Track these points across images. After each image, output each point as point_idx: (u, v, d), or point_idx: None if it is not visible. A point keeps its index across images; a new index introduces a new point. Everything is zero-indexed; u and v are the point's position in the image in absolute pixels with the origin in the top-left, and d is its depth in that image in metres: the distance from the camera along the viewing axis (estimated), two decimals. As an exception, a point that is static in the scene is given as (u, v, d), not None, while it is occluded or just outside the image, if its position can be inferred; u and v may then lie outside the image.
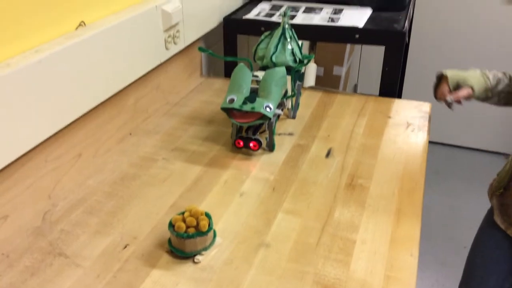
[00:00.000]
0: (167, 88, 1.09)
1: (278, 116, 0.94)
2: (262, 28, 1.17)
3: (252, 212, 0.73)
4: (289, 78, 0.93)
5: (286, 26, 0.96)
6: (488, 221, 1.04)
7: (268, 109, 0.81)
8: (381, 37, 1.10)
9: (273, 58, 0.94)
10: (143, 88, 0.99)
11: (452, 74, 0.93)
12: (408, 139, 0.93)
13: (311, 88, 1.16)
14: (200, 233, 0.63)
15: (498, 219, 0.98)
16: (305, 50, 2.13)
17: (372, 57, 2.50)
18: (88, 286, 0.59)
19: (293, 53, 0.95)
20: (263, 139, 0.89)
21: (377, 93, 1.15)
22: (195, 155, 0.89)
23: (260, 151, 0.89)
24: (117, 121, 0.92)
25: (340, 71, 2.14)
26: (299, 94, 1.02)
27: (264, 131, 0.93)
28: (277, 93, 0.84)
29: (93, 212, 0.73)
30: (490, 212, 1.04)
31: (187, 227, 0.63)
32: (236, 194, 0.77)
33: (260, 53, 0.97)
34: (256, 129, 0.90)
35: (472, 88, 0.92)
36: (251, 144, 0.87)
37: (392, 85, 1.10)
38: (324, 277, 0.61)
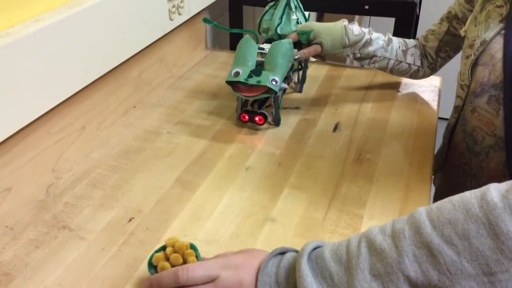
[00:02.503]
0: (172, 60, 1.07)
1: (284, 90, 0.92)
2: (269, -1, 1.14)
3: (257, 187, 0.72)
4: (295, 51, 0.90)
5: None
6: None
7: (274, 82, 0.79)
8: (391, 8, 1.07)
9: (278, 30, 0.91)
10: (147, 60, 0.97)
11: (302, 25, 0.88)
12: (417, 114, 0.91)
13: (318, 62, 1.13)
14: None
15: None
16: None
17: (381, 31, 2.45)
18: (93, 259, 0.59)
19: (298, 24, 0.92)
20: (269, 114, 0.87)
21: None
22: (200, 129, 0.87)
23: (265, 125, 0.87)
24: (121, 94, 0.90)
25: (347, 45, 2.10)
26: (306, 67, 1.00)
27: (270, 105, 0.91)
28: (283, 66, 0.82)
29: (97, 185, 0.73)
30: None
31: (172, 266, 0.52)
32: (241, 168, 0.76)
33: (264, 25, 0.94)
34: (261, 103, 0.89)
35: (321, 45, 0.87)
36: (256, 118, 0.85)
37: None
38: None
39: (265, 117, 0.85)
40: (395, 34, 1.06)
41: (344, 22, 0.89)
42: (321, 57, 0.92)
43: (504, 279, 0.37)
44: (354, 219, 0.65)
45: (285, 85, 0.86)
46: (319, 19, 1.85)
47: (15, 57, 0.63)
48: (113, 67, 0.84)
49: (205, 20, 0.87)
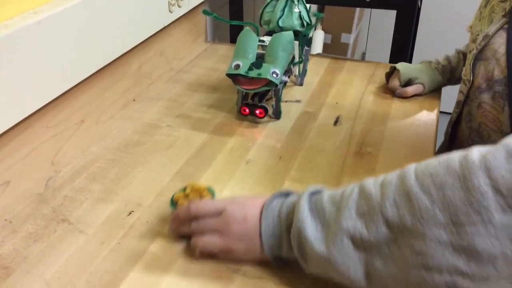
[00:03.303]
0: (171, 53, 1.06)
1: (285, 83, 0.91)
2: (269, -9, 1.13)
3: (258, 180, 0.72)
4: (296, 43, 0.89)
5: None
6: None
7: (274, 75, 0.78)
8: (392, 1, 1.06)
9: (280, 22, 0.90)
10: (146, 53, 0.96)
11: (404, 70, 0.93)
12: (419, 107, 0.91)
13: (318, 55, 1.12)
14: None
15: None
16: (312, 17, 2.08)
17: (381, 24, 2.44)
18: (92, 253, 0.59)
19: (300, 17, 0.91)
20: (269, 107, 0.86)
21: (386, 61, 1.11)
22: (200, 122, 0.87)
23: (266, 118, 0.87)
24: (120, 87, 0.90)
25: (348, 38, 2.09)
26: (307, 60, 0.99)
27: (270, 98, 0.90)
28: (284, 59, 0.81)
29: (96, 179, 0.72)
30: None
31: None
32: (241, 161, 0.76)
33: (266, 17, 0.93)
34: (262, 96, 0.88)
35: (423, 85, 0.92)
36: (257, 112, 0.85)
37: (403, 52, 1.07)
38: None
39: (266, 110, 0.85)
40: (397, 26, 1.05)
41: (431, 64, 0.94)
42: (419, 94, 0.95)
43: (470, 232, 0.39)
44: (355, 213, 0.65)
45: (285, 78, 0.86)
46: (320, 10, 1.84)
47: (13, 49, 0.63)
48: (112, 60, 0.84)
49: (205, 12, 0.86)
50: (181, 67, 1.08)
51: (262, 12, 0.94)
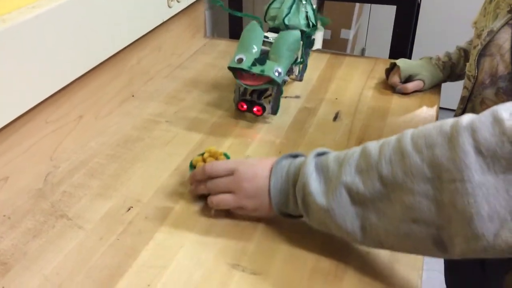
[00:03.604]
0: (170, 49, 1.06)
1: (285, 81, 0.91)
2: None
3: (257, 176, 0.71)
4: (301, 43, 0.88)
5: None
6: None
7: (277, 73, 0.77)
8: (392, -4, 1.05)
9: (286, 20, 0.88)
10: (145, 48, 0.96)
11: (404, 66, 0.93)
12: (418, 103, 0.91)
13: (318, 50, 1.12)
14: None
15: None
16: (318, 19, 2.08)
17: (381, 20, 2.43)
18: (91, 248, 0.59)
19: (307, 17, 0.89)
20: (267, 103, 0.85)
21: (386, 57, 1.11)
22: (199, 118, 0.86)
23: (265, 114, 0.86)
24: (118, 82, 0.90)
25: (347, 34, 2.08)
26: (308, 55, 0.98)
27: (269, 95, 0.89)
28: (288, 58, 0.80)
29: (95, 175, 0.72)
30: None
31: None
32: (241, 157, 0.76)
33: (272, 12, 0.91)
34: (261, 93, 0.87)
35: (424, 82, 0.93)
36: (254, 109, 0.84)
37: (403, 47, 1.07)
38: (331, 240, 0.59)
39: (264, 108, 0.84)
40: (396, 22, 1.05)
41: (432, 60, 0.94)
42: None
43: (451, 188, 0.42)
44: (354, 208, 0.65)
45: (287, 78, 0.85)
46: (320, 6, 1.84)
47: (11, 44, 0.62)
48: (110, 55, 0.83)
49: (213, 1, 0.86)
50: (180, 63, 1.08)
51: (268, 7, 0.92)
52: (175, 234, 0.61)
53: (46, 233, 0.61)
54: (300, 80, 0.98)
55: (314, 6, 0.93)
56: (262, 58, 0.78)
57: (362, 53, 2.47)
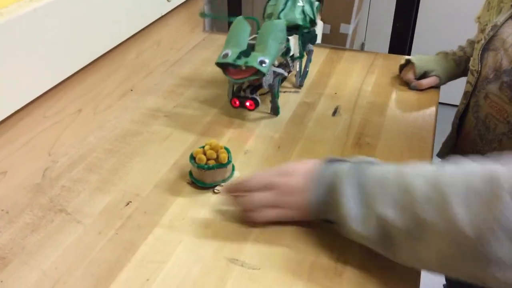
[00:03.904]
0: (169, 43, 1.05)
1: (283, 78, 0.89)
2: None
3: (256, 170, 0.71)
4: (296, 37, 0.87)
5: None
6: None
7: (263, 64, 0.74)
8: (392, -10, 1.05)
9: (281, 16, 0.87)
10: (143, 43, 0.96)
11: (419, 63, 0.92)
12: (418, 98, 0.90)
13: (317, 45, 1.11)
14: (219, 165, 0.66)
15: None
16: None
17: (380, 15, 2.42)
18: (90, 243, 0.59)
19: (303, 12, 0.88)
20: (262, 99, 0.84)
21: (386, 52, 1.11)
22: (198, 113, 0.86)
23: (264, 110, 0.86)
24: (117, 77, 0.89)
25: (347, 29, 2.08)
26: (309, 61, 0.94)
27: (266, 92, 0.88)
28: (273, 48, 0.77)
29: (94, 169, 0.72)
30: None
31: (208, 159, 0.66)
32: (240, 151, 0.76)
33: (268, 10, 0.90)
34: (254, 88, 0.85)
35: (439, 77, 0.92)
36: (247, 103, 0.82)
37: (402, 42, 1.06)
38: (330, 236, 0.59)
39: (256, 102, 0.83)
40: (396, 14, 1.05)
41: (448, 55, 0.93)
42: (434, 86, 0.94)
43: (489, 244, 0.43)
44: (353, 203, 0.65)
45: (280, 70, 0.83)
46: (319, 1, 1.83)
47: (9, 38, 0.62)
48: (109, 49, 0.83)
49: (202, 15, 0.85)
50: (179, 57, 1.07)
51: (266, 5, 0.91)
52: (174, 228, 0.61)
53: (45, 227, 0.61)
54: (300, 86, 0.95)
55: (316, 4, 0.91)
56: (248, 50, 0.77)
57: (362, 48, 2.47)
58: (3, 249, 0.58)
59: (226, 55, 0.76)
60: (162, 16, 0.98)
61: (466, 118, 0.81)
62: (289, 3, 0.88)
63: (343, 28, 2.07)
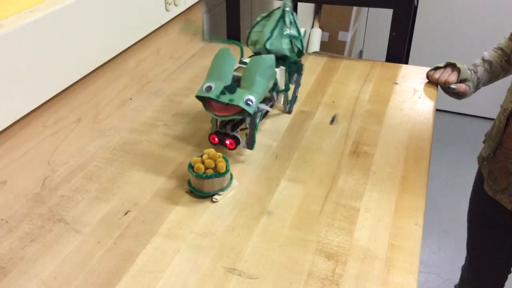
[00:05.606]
0: (168, 52, 1.06)
1: (266, 113, 0.85)
2: (266, -10, 1.13)
3: (254, 179, 0.72)
4: (283, 69, 0.82)
5: (287, 8, 0.83)
6: (477, 191, 1.04)
7: (249, 103, 0.69)
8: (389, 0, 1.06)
9: (267, 45, 0.81)
10: (143, 52, 0.96)
11: (463, 69, 0.96)
12: (415, 106, 0.91)
13: (315, 53, 1.12)
14: (217, 174, 0.66)
15: (486, 187, 0.98)
16: (310, 14, 2.08)
17: (379, 22, 2.44)
18: (89, 252, 0.59)
19: (291, 42, 0.83)
20: (243, 136, 0.77)
21: (383, 59, 1.12)
22: (196, 121, 0.87)
23: (240, 147, 0.78)
24: (117, 85, 0.90)
25: (345, 36, 2.09)
26: (298, 86, 0.90)
27: (246, 128, 0.78)
28: (261, 85, 0.72)
29: (93, 178, 0.72)
30: (478, 181, 1.04)
31: (206, 168, 0.67)
32: (238, 160, 0.76)
33: (253, 37, 0.84)
34: (236, 124, 0.77)
35: (469, 88, 0.96)
36: (227, 142, 0.75)
37: (399, 50, 1.07)
38: (327, 245, 0.60)
39: (237, 142, 0.75)
40: (394, 25, 1.05)
41: (471, 75, 0.97)
42: (460, 95, 0.98)
43: None
44: (350, 212, 0.65)
45: (265, 107, 0.77)
46: (317, 10, 1.84)
47: (9, 48, 0.63)
48: (108, 58, 0.84)
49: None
50: (178, 66, 1.08)
51: (250, 31, 0.85)
52: (172, 238, 0.61)
53: (44, 237, 0.61)
54: (289, 112, 0.89)
55: (302, 30, 0.86)
56: (233, 86, 0.71)
57: (360, 55, 2.48)
58: (2, 258, 0.58)
59: (209, 88, 0.71)
60: (162, 26, 0.98)
61: (510, 118, 0.86)
62: (276, 32, 0.82)
63: (341, 35, 2.08)
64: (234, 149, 0.76)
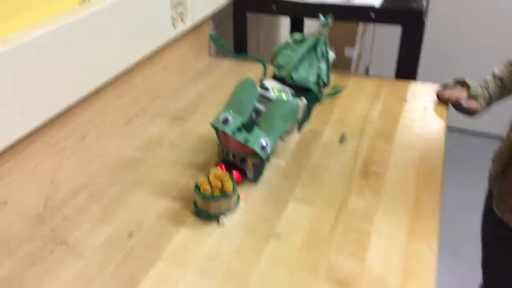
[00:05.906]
0: (174, 68, 1.05)
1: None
2: (273, 6, 1.12)
3: (262, 199, 0.70)
4: (304, 102, 0.77)
5: (322, 38, 0.79)
6: (487, 211, 1.02)
7: (263, 147, 0.68)
8: (398, 17, 1.05)
9: (293, 75, 0.77)
10: (149, 69, 0.95)
11: (474, 86, 0.95)
12: (425, 124, 0.89)
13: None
14: (224, 195, 0.64)
15: (495, 206, 0.95)
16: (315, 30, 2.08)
17: (386, 38, 2.43)
18: (90, 277, 0.57)
19: (318, 75, 0.79)
20: (250, 169, 0.72)
21: (390, 75, 1.10)
22: (203, 139, 0.85)
23: (246, 180, 0.74)
24: (122, 103, 0.89)
25: (351, 52, 2.08)
26: (311, 110, 0.85)
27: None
28: (280, 129, 0.70)
29: (96, 198, 0.71)
30: (488, 200, 1.01)
31: (213, 188, 0.65)
32: (245, 180, 0.74)
33: (280, 59, 0.80)
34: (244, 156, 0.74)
35: (481, 105, 0.95)
36: (234, 173, 0.71)
37: (409, 67, 1.06)
38: (338, 271, 0.58)
39: (244, 175, 0.73)
40: (403, 42, 1.04)
41: (483, 92, 0.96)
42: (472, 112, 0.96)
43: None
44: (361, 235, 0.63)
45: (279, 142, 0.75)
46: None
47: (13, 65, 0.62)
48: (114, 75, 0.82)
49: (212, 36, 0.81)
50: (185, 83, 1.07)
51: (279, 52, 0.81)
52: (177, 262, 0.59)
53: (45, 260, 0.60)
54: (299, 131, 0.87)
55: (331, 57, 0.82)
56: (251, 124, 0.69)
57: (366, 72, 2.47)
58: (2, 281, 0.57)
59: (226, 121, 0.69)
60: (169, 42, 0.98)
61: None
62: (306, 62, 0.78)
63: (347, 51, 2.07)
64: (240, 182, 0.72)
